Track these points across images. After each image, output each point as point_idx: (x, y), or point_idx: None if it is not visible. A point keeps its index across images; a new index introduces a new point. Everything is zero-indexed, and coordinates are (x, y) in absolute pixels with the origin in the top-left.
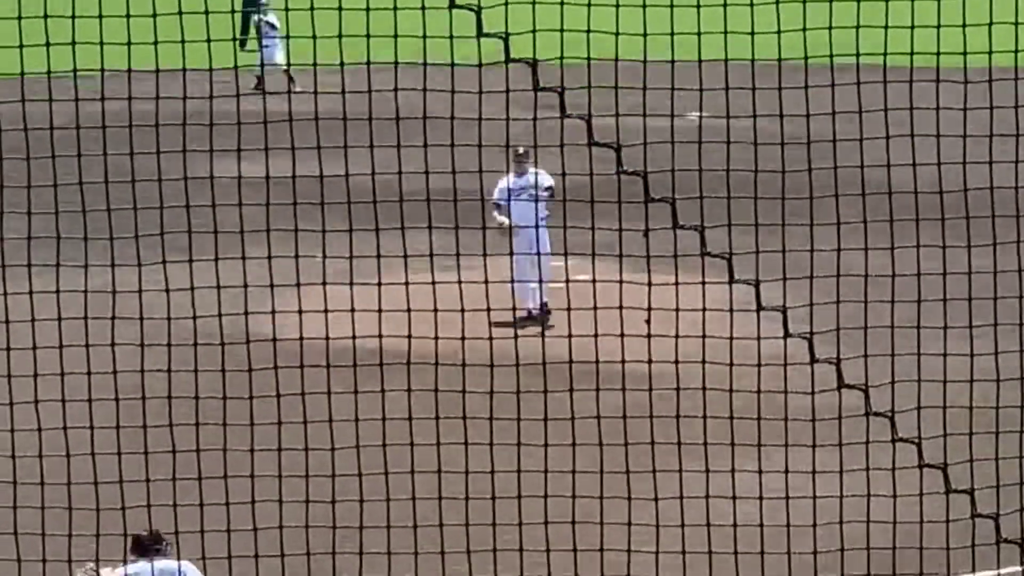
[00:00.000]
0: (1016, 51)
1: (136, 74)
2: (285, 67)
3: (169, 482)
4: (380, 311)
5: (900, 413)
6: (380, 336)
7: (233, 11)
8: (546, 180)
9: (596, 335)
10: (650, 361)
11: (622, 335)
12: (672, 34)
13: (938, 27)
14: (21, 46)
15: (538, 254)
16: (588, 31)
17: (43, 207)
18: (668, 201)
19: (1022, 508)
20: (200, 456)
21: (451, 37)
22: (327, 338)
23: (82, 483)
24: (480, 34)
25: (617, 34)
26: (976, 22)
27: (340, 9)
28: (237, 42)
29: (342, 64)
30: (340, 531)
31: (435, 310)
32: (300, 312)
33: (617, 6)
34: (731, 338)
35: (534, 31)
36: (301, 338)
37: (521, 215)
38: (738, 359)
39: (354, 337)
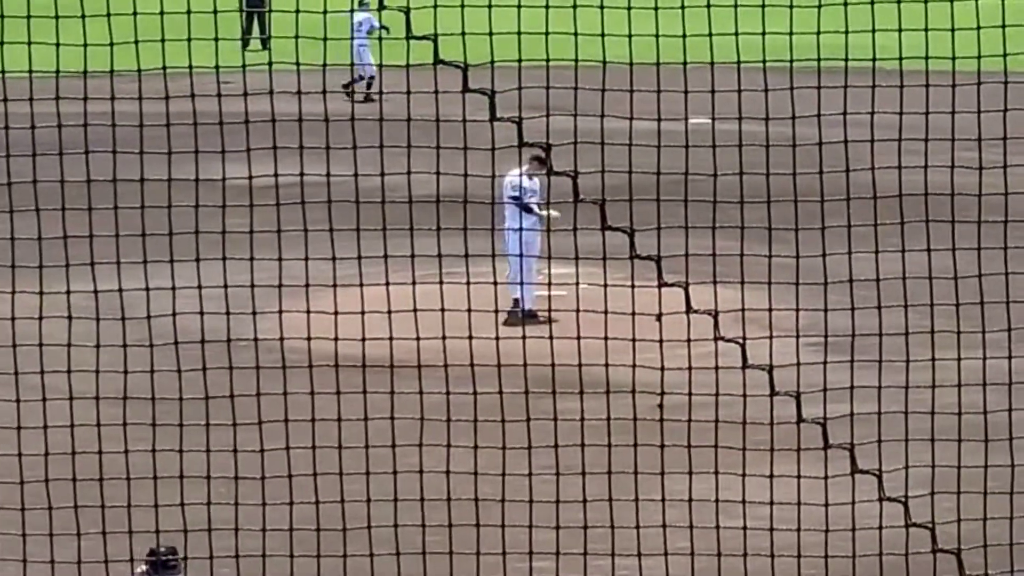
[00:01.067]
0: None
1: (145, 74)
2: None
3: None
4: (390, 313)
5: (832, 420)
6: (391, 339)
7: (242, 10)
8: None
9: (579, 338)
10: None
11: (605, 338)
12: (603, 36)
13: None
14: (29, 43)
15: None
16: (519, 33)
17: (54, 204)
18: (597, 203)
19: (959, 518)
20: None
21: (380, 39)
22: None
23: (87, 480)
24: (409, 36)
25: (547, 34)
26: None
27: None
28: (241, 42)
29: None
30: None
31: (442, 310)
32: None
33: (547, 7)
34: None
35: (463, 33)
36: (305, 338)
37: (531, 218)
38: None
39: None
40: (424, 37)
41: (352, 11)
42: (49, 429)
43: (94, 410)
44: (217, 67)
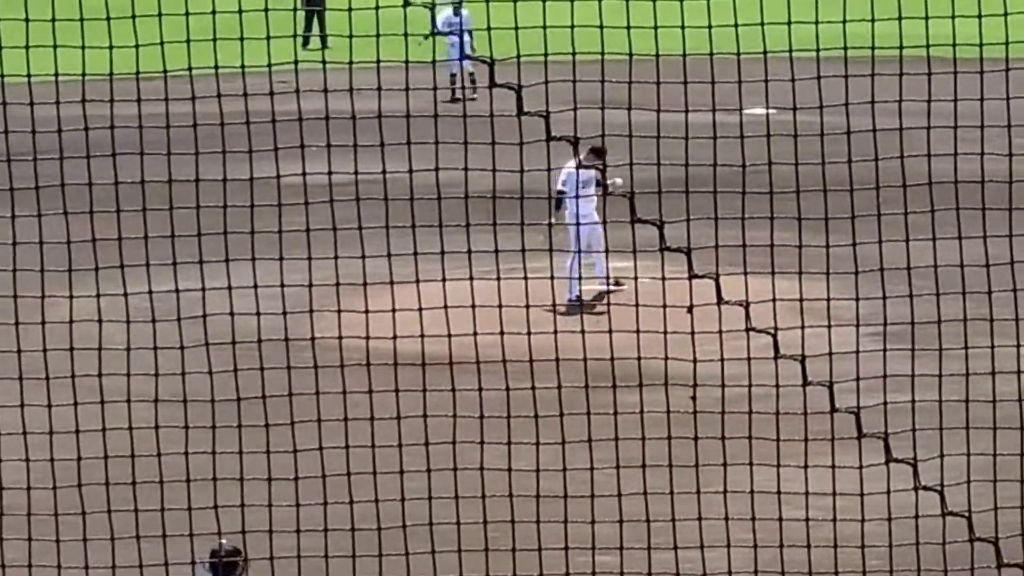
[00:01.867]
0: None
1: (195, 75)
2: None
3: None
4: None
5: (865, 409)
6: (422, 336)
7: (295, 8)
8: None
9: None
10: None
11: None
12: (628, 28)
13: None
14: (83, 47)
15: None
16: (544, 27)
17: (105, 207)
18: (626, 195)
19: (996, 507)
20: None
21: (405, 35)
22: (395, 337)
23: (147, 481)
24: (433, 33)
25: (573, 28)
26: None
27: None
28: (300, 39)
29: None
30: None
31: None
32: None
33: (572, 1)
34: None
35: (489, 29)
36: (341, 337)
37: (590, 211)
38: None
39: (423, 336)
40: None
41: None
42: (107, 432)
43: (150, 411)
44: (270, 65)
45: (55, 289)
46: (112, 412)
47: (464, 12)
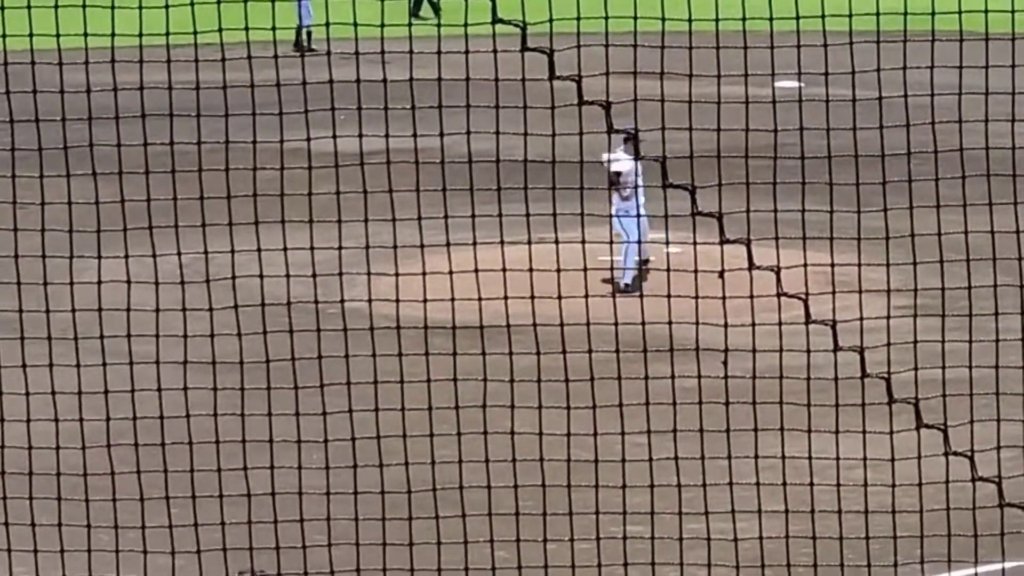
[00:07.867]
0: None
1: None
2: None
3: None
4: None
5: (895, 375)
6: (479, 300)
7: None
8: None
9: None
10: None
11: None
12: None
13: None
14: (113, 7)
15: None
16: None
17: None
18: (658, 160)
19: None
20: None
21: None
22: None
23: (177, 443)
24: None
25: None
26: None
27: None
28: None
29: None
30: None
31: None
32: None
33: None
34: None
35: None
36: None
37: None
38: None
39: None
40: None
41: None
42: (136, 393)
43: (179, 373)
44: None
45: (84, 251)
46: (141, 374)
47: None
